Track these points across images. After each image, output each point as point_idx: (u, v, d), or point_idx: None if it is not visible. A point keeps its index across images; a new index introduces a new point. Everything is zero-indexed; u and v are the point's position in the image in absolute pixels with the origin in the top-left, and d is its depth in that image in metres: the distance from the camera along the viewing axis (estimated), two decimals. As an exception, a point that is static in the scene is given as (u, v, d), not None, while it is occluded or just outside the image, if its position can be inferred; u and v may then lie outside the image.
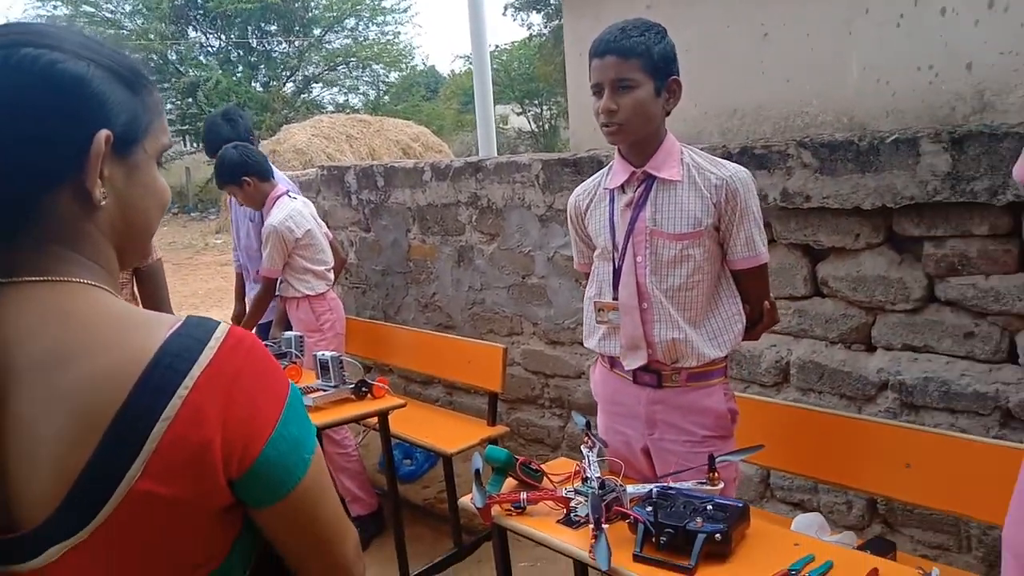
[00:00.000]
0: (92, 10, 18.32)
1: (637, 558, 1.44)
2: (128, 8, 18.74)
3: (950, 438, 1.85)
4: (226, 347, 0.72)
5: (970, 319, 2.24)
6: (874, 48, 2.67)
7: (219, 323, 0.75)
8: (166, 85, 18.86)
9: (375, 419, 2.72)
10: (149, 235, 0.83)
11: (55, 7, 17.84)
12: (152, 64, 18.86)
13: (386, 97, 22.10)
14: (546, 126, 23.19)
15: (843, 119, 2.74)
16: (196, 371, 0.70)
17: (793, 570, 1.36)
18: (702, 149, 2.55)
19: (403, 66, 22.62)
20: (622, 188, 1.76)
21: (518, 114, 23.39)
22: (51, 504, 0.68)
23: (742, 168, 1.72)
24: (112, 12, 18.64)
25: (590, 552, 1.44)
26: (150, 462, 0.68)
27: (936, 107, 2.53)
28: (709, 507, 1.47)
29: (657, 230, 1.70)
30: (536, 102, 22.80)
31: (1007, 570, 1.23)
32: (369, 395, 2.67)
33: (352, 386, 2.65)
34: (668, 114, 1.71)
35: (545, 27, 19.92)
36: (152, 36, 17.75)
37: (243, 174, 3.02)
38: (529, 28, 21.61)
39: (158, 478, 0.68)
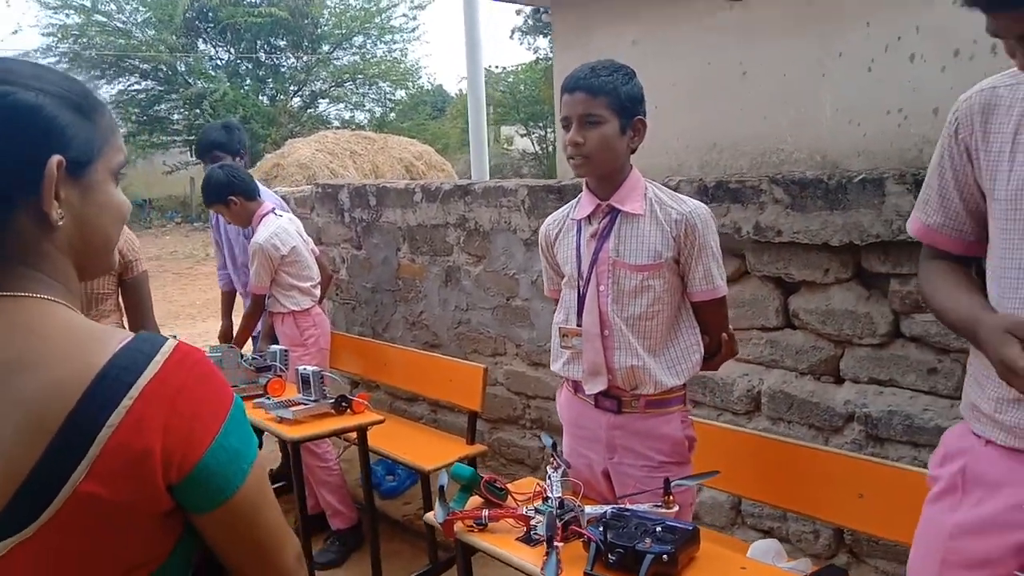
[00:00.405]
0: (104, 20, 18.56)
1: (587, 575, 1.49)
2: (140, 19, 18.99)
3: (900, 470, 1.90)
4: (172, 361, 0.78)
5: (933, 355, 2.30)
6: (846, 90, 2.76)
7: (167, 339, 0.80)
8: (173, 96, 19.07)
9: (355, 434, 2.78)
10: (109, 250, 0.88)
11: (67, 15, 18.08)
12: (161, 75, 19.10)
13: (392, 114, 22.30)
14: (550, 148, 23.36)
15: (816, 156, 2.82)
16: (141, 382, 0.75)
17: (735, 593, 1.42)
18: (679, 181, 2.63)
19: (410, 84, 22.84)
20: (588, 219, 1.84)
21: (522, 136, 23.59)
22: (0, 502, 0.73)
23: (702, 205, 1.79)
24: (124, 22, 18.89)
25: (541, 569, 1.49)
26: (94, 466, 0.73)
27: (904, 149, 2.62)
28: (659, 529, 1.53)
29: (620, 261, 1.78)
30: (540, 124, 23.01)
31: None
32: (349, 410, 2.73)
33: (332, 401, 2.71)
34: (633, 151, 1.79)
35: (551, 51, 20.15)
36: (162, 47, 17.96)
37: (229, 193, 3.09)
38: (536, 52, 21.91)
39: (101, 481, 0.73)
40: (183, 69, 18.97)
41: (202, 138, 3.46)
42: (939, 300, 1.34)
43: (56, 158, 0.78)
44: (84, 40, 18.19)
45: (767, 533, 2.69)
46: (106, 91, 19.14)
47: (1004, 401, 1.20)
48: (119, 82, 19.31)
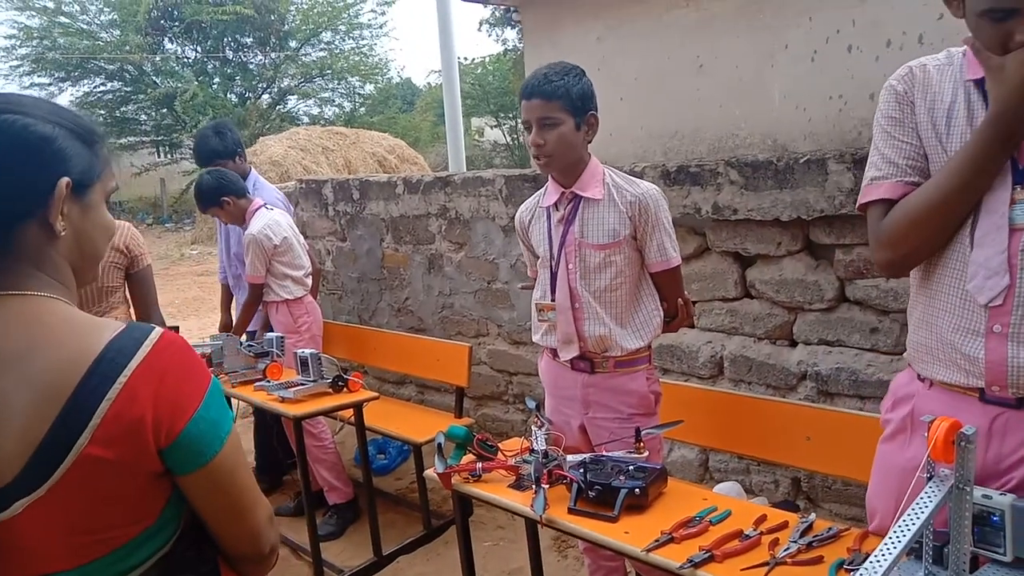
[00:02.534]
0: (68, 21, 18.32)
1: (571, 511, 1.71)
2: (104, 20, 18.76)
3: (840, 414, 2.16)
4: (159, 346, 0.94)
5: (875, 316, 2.56)
6: (793, 79, 3.01)
7: (154, 328, 0.96)
8: (141, 96, 18.88)
9: (351, 413, 2.97)
10: (97, 261, 1.05)
11: (31, 16, 17.82)
12: (127, 75, 18.90)
13: (362, 109, 22.26)
14: (520, 139, 23.51)
15: (768, 140, 3.07)
16: (133, 363, 0.91)
17: (698, 517, 1.65)
18: (643, 167, 2.86)
19: (379, 79, 22.82)
20: (555, 206, 2.07)
21: (492, 127, 23.70)
22: (17, 466, 0.87)
23: (653, 186, 2.03)
24: (88, 23, 18.66)
25: (530, 505, 1.71)
26: (96, 432, 0.88)
27: (846, 131, 2.87)
28: (631, 468, 1.76)
29: (584, 241, 2.01)
30: (511, 115, 23.13)
31: (872, 527, 1.52)
32: (345, 389, 2.93)
33: (329, 380, 2.91)
34: (590, 142, 2.02)
35: (519, 42, 20.29)
36: (128, 47, 17.77)
37: (221, 195, 3.26)
38: (504, 43, 22.02)
39: (103, 444, 0.88)
40: (150, 69, 18.78)
41: (200, 148, 3.58)
42: (922, 192, 1.31)
43: (65, 180, 0.94)
44: (48, 42, 17.95)
45: (734, 487, 2.94)
46: (71, 93, 18.94)
47: (958, 330, 1.29)
48: (85, 83, 19.08)
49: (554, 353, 2.15)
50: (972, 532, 1.19)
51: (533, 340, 2.23)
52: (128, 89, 19.29)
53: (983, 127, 1.23)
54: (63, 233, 0.95)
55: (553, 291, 2.08)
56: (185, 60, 19.52)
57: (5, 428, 0.87)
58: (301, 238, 3.53)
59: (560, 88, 1.91)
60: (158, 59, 18.73)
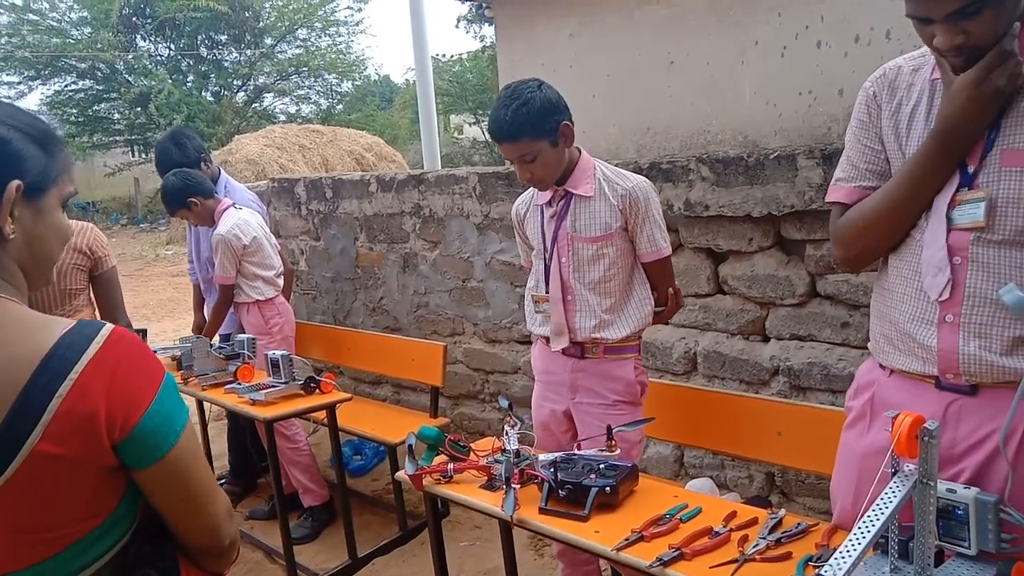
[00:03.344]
0: (37, 18, 18.01)
1: (542, 511, 1.70)
2: (75, 17, 18.46)
3: (811, 409, 2.17)
4: (110, 342, 0.93)
5: (845, 311, 2.58)
6: (763, 75, 3.03)
7: (104, 324, 0.95)
8: (114, 95, 18.61)
9: (324, 415, 2.94)
10: (51, 264, 1.04)
11: (-1, 14, 17.51)
12: (99, 74, 18.61)
13: (339, 107, 22.12)
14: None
15: (739, 137, 3.08)
16: (84, 359, 0.90)
17: (668, 515, 1.65)
18: (616, 164, 2.86)
19: (356, 76, 22.68)
20: (549, 203, 2.09)
21: (471, 124, 23.65)
22: None
23: (644, 179, 2.06)
24: (58, 21, 18.34)
25: (501, 505, 1.70)
26: (48, 428, 0.87)
27: (815, 127, 2.89)
28: (603, 467, 1.75)
29: (576, 235, 2.05)
30: (489, 113, 23.05)
31: (835, 516, 1.53)
32: (318, 390, 2.89)
33: (301, 382, 2.87)
34: (571, 145, 2.02)
35: (496, 40, 20.22)
36: (100, 45, 17.50)
37: (188, 196, 3.20)
38: (481, 40, 21.96)
39: (54, 440, 0.87)
40: (122, 67, 18.51)
41: (161, 162, 3.45)
42: (874, 199, 1.36)
43: (15, 183, 0.93)
44: (16, 40, 17.63)
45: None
46: (42, 92, 18.64)
47: (914, 320, 1.33)
48: (55, 82, 18.78)
49: (547, 341, 2.18)
50: (937, 526, 1.19)
51: (528, 329, 2.27)
52: (100, 87, 19.03)
53: (928, 141, 1.29)
54: (12, 236, 0.94)
55: (547, 283, 2.12)
56: (158, 58, 19.28)
57: None
58: (272, 238, 3.48)
59: (523, 125, 1.92)
60: (130, 57, 18.48)
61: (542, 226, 2.12)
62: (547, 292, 2.12)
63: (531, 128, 1.93)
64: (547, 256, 2.11)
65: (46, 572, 0.92)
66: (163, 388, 0.97)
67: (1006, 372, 1.24)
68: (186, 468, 0.99)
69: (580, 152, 2.07)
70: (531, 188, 2.20)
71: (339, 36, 21.41)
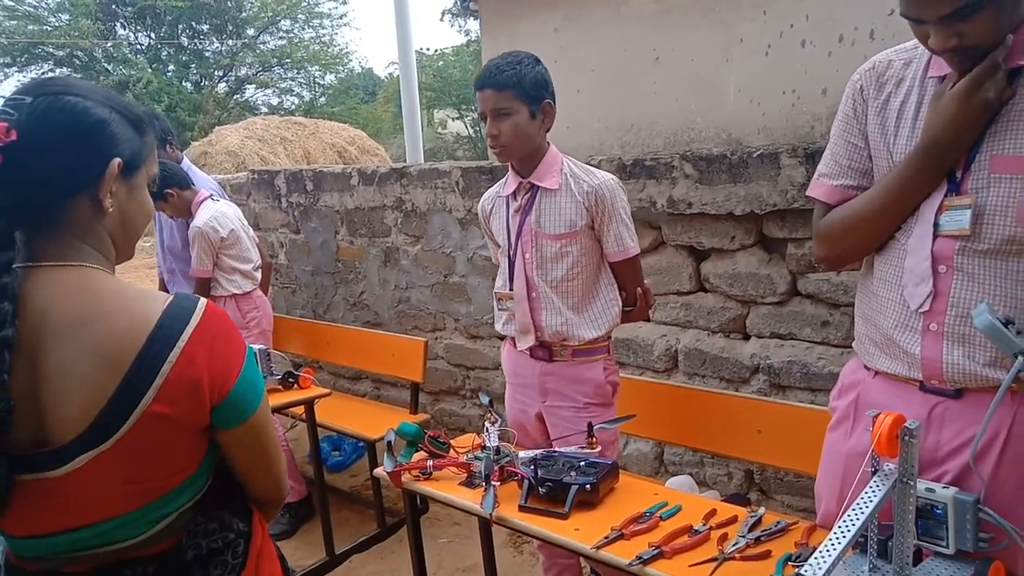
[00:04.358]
0: (13, 4, 17.68)
1: (522, 508, 1.69)
2: (52, 3, 18.14)
3: (790, 407, 2.18)
4: (207, 315, 1.03)
5: (826, 310, 2.58)
6: (747, 73, 3.02)
7: (200, 298, 1.05)
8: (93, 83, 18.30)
9: (302, 410, 2.90)
10: (136, 238, 1.12)
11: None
12: (78, 61, 18.33)
13: (322, 99, 21.96)
14: (482, 131, 23.39)
15: (723, 134, 3.08)
16: (189, 329, 1.00)
17: (648, 513, 1.64)
18: (601, 160, 2.85)
19: (340, 69, 22.52)
20: (514, 195, 2.04)
21: (455, 119, 23.59)
22: (81, 425, 0.96)
23: (611, 176, 2.01)
24: (35, 7, 18.02)
25: (480, 503, 1.68)
26: (160, 391, 0.97)
27: (798, 126, 2.89)
28: (583, 464, 1.74)
29: (540, 231, 2.00)
30: (473, 107, 23.00)
31: (819, 517, 1.53)
32: (296, 385, 2.86)
33: (279, 377, 2.84)
34: (548, 130, 1.99)
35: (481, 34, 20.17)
36: (78, 33, 17.22)
37: (164, 187, 3.14)
38: (467, 34, 21.90)
39: (165, 402, 0.98)
40: (101, 55, 18.24)
41: None
42: (858, 203, 1.36)
43: (117, 160, 1.03)
44: (-9, 26, 17.32)
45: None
46: (18, 79, 18.29)
47: (898, 327, 1.32)
48: (32, 69, 18.45)
49: (514, 341, 2.14)
50: (916, 525, 1.19)
51: (495, 329, 2.22)
52: (79, 75, 18.69)
53: (915, 152, 1.27)
54: (110, 210, 1.03)
55: (512, 280, 2.07)
56: (138, 46, 19.00)
57: (69, 391, 0.95)
58: (250, 230, 3.43)
59: (512, 78, 1.89)
60: (109, 45, 18.20)
61: (507, 220, 2.07)
62: (512, 289, 2.07)
63: (519, 85, 1.89)
64: (511, 252, 2.06)
65: (147, 514, 1.03)
66: (248, 358, 1.08)
67: (990, 382, 1.24)
68: (263, 429, 1.11)
69: (549, 145, 2.03)
70: (496, 185, 2.17)
71: (322, 28, 21.26)
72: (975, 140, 1.22)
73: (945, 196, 1.26)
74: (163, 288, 3.71)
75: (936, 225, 1.26)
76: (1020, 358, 1.12)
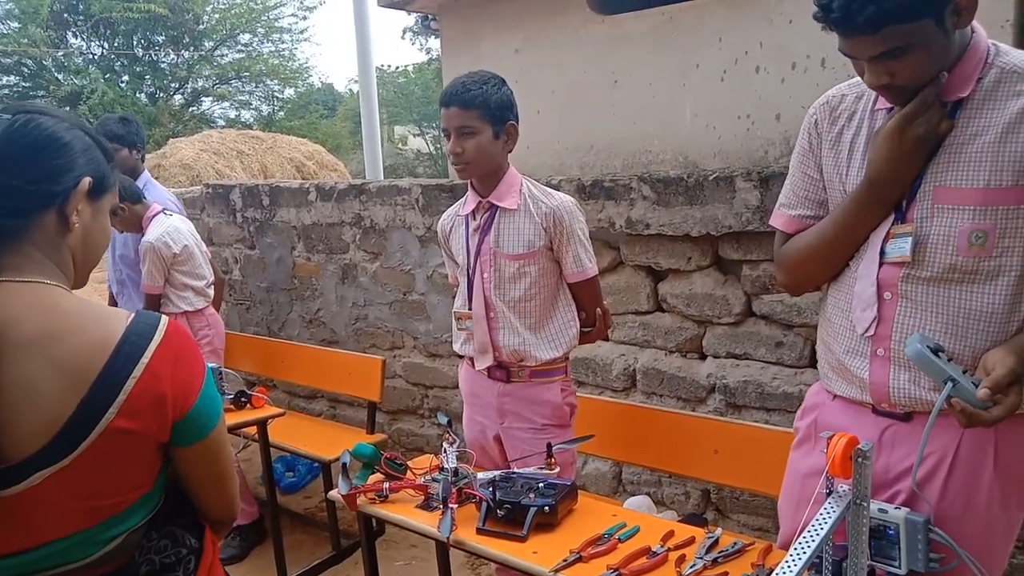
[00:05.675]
0: (-42, 9, 17.13)
1: (480, 531, 1.67)
2: (0, 10, 17.63)
3: (747, 427, 2.20)
4: (170, 331, 1.06)
5: (780, 331, 2.63)
6: (704, 98, 3.09)
7: (161, 316, 1.08)
8: (42, 93, 17.81)
9: (255, 430, 2.83)
10: (94, 263, 1.14)
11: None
12: (27, 70, 17.82)
13: (281, 113, 21.71)
14: (443, 148, 23.39)
15: (680, 157, 3.13)
16: (152, 346, 1.02)
17: (607, 534, 1.63)
18: (560, 180, 2.86)
19: (299, 83, 22.32)
20: (473, 214, 2.03)
21: (416, 135, 23.58)
22: (39, 441, 0.96)
23: (568, 198, 2.02)
24: (-19, 13, 17.50)
25: (437, 526, 1.66)
26: (123, 406, 0.99)
27: (753, 150, 2.96)
28: (542, 486, 1.73)
29: (499, 251, 2.00)
30: (434, 124, 23.04)
31: (780, 536, 1.55)
32: (249, 405, 2.79)
33: (231, 396, 2.76)
34: (510, 151, 1.99)
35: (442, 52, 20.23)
36: (27, 40, 16.74)
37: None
38: (428, 52, 21.96)
39: (128, 416, 0.99)
40: (52, 64, 17.76)
41: (99, 130, 3.36)
42: (812, 233, 1.40)
43: (87, 179, 1.08)
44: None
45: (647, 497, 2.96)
46: (-38, 87, 17.71)
47: (849, 352, 1.36)
48: (-23, 77, 17.88)
49: (472, 362, 2.12)
50: (869, 546, 1.21)
51: (453, 349, 2.20)
52: (27, 84, 18.17)
53: (860, 186, 1.31)
54: (76, 226, 1.07)
55: (470, 300, 2.06)
56: (90, 56, 18.57)
57: (29, 407, 0.95)
58: (203, 246, 3.35)
59: (478, 97, 1.89)
60: (60, 54, 17.74)
61: (466, 239, 2.06)
62: (470, 309, 2.06)
63: (484, 106, 1.90)
64: (470, 271, 2.05)
65: (100, 532, 1.03)
66: (207, 375, 1.10)
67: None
68: (220, 448, 1.13)
69: (509, 166, 2.04)
70: (456, 204, 2.17)
71: (282, 43, 21.03)
72: (919, 171, 1.26)
73: (892, 224, 1.29)
74: (112, 303, 3.60)
75: (882, 252, 1.30)
76: (949, 384, 1.15)
